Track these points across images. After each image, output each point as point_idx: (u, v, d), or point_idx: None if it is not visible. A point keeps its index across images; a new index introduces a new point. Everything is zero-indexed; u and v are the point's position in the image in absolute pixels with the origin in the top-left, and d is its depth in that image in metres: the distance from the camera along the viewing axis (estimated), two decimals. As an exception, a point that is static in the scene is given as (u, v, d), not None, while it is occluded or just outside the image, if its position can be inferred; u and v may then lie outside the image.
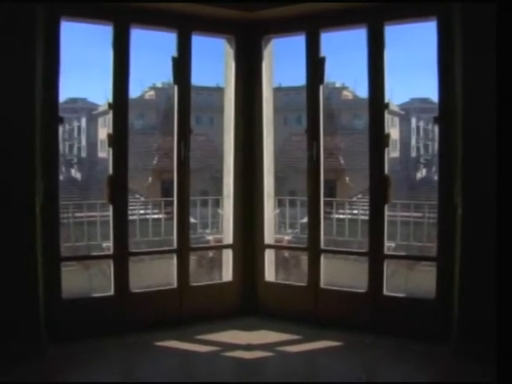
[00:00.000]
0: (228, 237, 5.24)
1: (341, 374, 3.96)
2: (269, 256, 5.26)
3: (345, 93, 16.34)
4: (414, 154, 14.93)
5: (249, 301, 5.15)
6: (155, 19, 4.71)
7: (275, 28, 5.04)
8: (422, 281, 5.80)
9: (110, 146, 4.61)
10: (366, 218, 7.80)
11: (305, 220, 6.94)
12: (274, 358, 4.29)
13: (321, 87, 4.84)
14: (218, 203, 9.14)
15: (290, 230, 10.40)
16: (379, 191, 4.61)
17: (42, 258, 4.17)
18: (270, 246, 5.29)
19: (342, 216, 10.27)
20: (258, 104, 5.14)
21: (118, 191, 4.62)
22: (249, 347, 4.37)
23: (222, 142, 5.31)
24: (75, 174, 15.18)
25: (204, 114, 15.15)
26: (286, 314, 4.95)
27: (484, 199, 3.86)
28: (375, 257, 4.67)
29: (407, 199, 10.55)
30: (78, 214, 9.33)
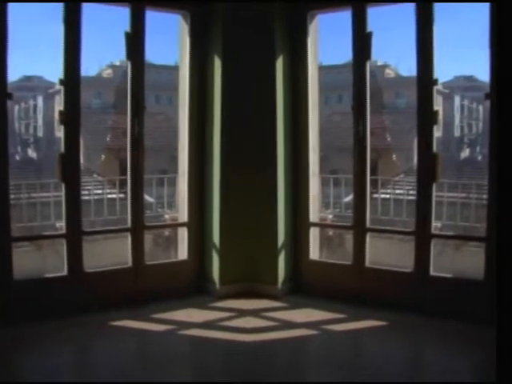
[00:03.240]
0: (183, 215, 5.21)
1: (386, 355, 3.94)
2: (313, 234, 5.22)
3: (387, 71, 16.19)
4: (457, 133, 14.78)
5: (203, 279, 5.14)
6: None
7: (320, 3, 4.98)
8: (469, 261, 5.68)
9: (61, 123, 4.52)
10: (410, 197, 7.65)
11: (348, 199, 6.75)
12: (319, 336, 4.28)
13: (367, 63, 4.77)
14: (175, 182, 9.06)
15: (331, 210, 10.26)
16: (427, 169, 4.53)
17: (-9, 239, 4.08)
18: (314, 224, 5.25)
19: (384, 195, 10.16)
20: (303, 81, 5.05)
21: (71, 170, 4.54)
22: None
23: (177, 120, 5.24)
24: (31, 153, 14.88)
25: (163, 93, 14.97)
26: (330, 293, 4.89)
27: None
28: (422, 236, 4.60)
29: (451, 179, 10.51)
30: (32, 194, 9.18)
